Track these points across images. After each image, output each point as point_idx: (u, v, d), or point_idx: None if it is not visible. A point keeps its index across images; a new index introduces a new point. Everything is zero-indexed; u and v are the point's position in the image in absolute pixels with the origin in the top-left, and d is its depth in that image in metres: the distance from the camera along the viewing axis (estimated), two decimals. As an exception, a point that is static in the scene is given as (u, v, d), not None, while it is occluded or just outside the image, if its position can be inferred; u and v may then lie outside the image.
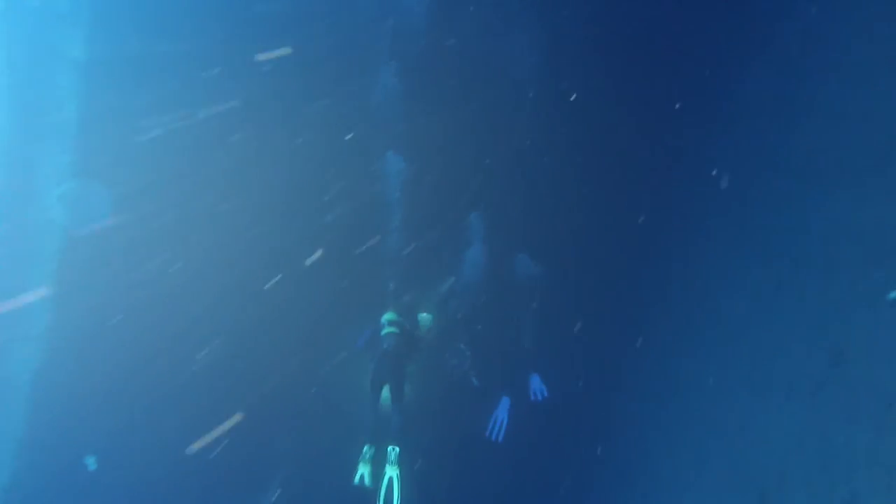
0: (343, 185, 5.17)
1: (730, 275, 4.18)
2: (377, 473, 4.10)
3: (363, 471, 4.09)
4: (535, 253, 5.09)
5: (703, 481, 3.53)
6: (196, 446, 4.56)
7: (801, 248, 3.47)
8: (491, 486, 4.95)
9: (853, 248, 3.03)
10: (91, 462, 4.41)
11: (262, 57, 4.79)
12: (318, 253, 5.08)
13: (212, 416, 4.69)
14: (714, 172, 4.63)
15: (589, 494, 4.82)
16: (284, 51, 4.82)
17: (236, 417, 4.74)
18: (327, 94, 5.04)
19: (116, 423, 4.47)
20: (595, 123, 5.04)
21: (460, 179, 5.24)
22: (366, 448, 4.18)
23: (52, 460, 4.40)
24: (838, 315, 2.95)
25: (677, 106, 5.09)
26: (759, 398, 3.28)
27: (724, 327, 4.01)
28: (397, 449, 4.16)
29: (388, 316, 4.90)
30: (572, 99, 5.23)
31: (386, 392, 4.61)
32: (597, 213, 5.11)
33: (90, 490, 4.45)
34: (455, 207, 5.20)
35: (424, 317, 5.09)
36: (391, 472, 4.07)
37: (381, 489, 4.00)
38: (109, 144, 4.62)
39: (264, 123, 4.97)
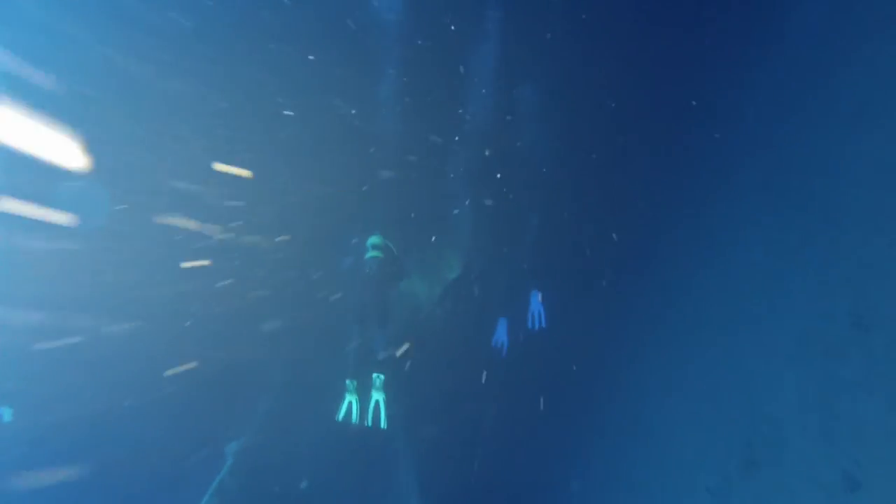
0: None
1: (747, 219, 3.82)
2: (363, 405, 3.96)
3: (350, 398, 3.95)
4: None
5: (688, 432, 3.42)
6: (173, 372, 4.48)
7: (834, 194, 3.10)
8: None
9: (896, 198, 2.67)
10: (6, 413, 4.27)
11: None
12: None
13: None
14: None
15: (571, 433, 4.80)
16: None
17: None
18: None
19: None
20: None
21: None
22: (347, 382, 4.02)
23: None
24: (869, 273, 2.65)
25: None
26: (763, 355, 3.06)
27: (733, 274, 3.72)
28: (382, 376, 4.03)
29: (372, 239, 4.57)
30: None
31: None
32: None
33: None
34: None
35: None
36: (377, 396, 3.98)
37: (368, 409, 3.91)
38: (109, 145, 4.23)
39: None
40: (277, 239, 5.00)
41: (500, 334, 4.43)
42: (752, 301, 3.39)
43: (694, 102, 4.52)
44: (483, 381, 4.73)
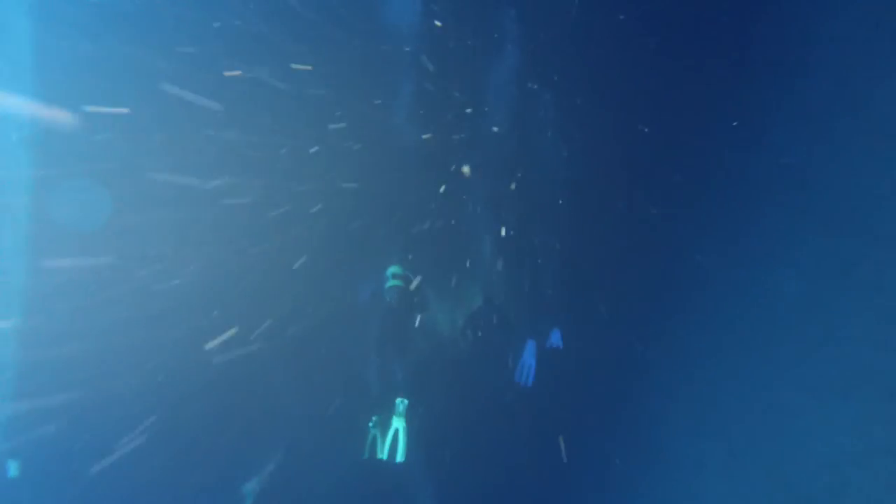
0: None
1: (785, 244, 3.59)
2: (384, 437, 3.86)
3: (374, 432, 3.88)
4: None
5: (732, 482, 3.15)
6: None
7: (877, 214, 2.88)
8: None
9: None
10: (12, 467, 4.21)
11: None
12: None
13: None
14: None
15: (594, 475, 4.52)
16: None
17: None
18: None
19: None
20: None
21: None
22: (374, 419, 3.94)
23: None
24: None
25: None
26: (815, 392, 2.82)
27: (773, 304, 3.48)
28: (406, 401, 3.95)
29: (392, 269, 4.50)
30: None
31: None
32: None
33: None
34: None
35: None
36: (398, 423, 3.87)
37: (386, 439, 3.81)
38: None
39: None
40: (294, 265, 4.94)
41: (528, 357, 4.26)
42: (796, 332, 3.16)
43: (735, 123, 4.34)
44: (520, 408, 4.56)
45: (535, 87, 4.75)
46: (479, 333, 4.81)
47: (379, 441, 3.79)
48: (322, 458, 4.32)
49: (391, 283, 4.41)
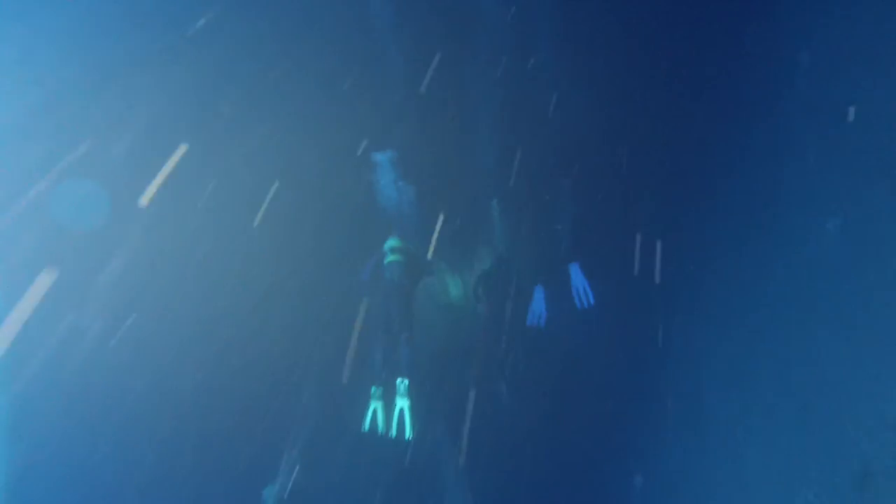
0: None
1: (833, 184, 3.19)
2: (388, 413, 3.83)
3: (375, 405, 3.84)
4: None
5: (782, 432, 2.98)
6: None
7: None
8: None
9: None
10: None
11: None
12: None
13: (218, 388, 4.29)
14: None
15: (634, 424, 4.41)
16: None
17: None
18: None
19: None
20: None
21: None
22: (373, 389, 3.90)
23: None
24: None
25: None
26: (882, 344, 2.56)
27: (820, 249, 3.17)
28: (406, 381, 3.89)
29: (391, 242, 4.24)
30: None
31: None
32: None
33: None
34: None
35: None
36: (402, 403, 3.84)
37: (392, 419, 3.80)
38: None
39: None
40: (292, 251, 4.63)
41: (538, 304, 4.22)
42: (841, 281, 2.88)
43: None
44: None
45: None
46: (491, 291, 4.65)
47: (380, 414, 3.80)
48: (340, 457, 4.22)
49: (390, 258, 4.19)
